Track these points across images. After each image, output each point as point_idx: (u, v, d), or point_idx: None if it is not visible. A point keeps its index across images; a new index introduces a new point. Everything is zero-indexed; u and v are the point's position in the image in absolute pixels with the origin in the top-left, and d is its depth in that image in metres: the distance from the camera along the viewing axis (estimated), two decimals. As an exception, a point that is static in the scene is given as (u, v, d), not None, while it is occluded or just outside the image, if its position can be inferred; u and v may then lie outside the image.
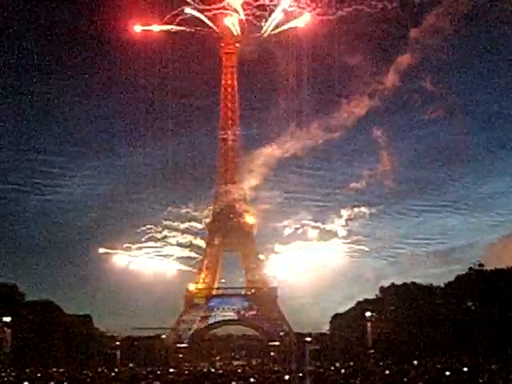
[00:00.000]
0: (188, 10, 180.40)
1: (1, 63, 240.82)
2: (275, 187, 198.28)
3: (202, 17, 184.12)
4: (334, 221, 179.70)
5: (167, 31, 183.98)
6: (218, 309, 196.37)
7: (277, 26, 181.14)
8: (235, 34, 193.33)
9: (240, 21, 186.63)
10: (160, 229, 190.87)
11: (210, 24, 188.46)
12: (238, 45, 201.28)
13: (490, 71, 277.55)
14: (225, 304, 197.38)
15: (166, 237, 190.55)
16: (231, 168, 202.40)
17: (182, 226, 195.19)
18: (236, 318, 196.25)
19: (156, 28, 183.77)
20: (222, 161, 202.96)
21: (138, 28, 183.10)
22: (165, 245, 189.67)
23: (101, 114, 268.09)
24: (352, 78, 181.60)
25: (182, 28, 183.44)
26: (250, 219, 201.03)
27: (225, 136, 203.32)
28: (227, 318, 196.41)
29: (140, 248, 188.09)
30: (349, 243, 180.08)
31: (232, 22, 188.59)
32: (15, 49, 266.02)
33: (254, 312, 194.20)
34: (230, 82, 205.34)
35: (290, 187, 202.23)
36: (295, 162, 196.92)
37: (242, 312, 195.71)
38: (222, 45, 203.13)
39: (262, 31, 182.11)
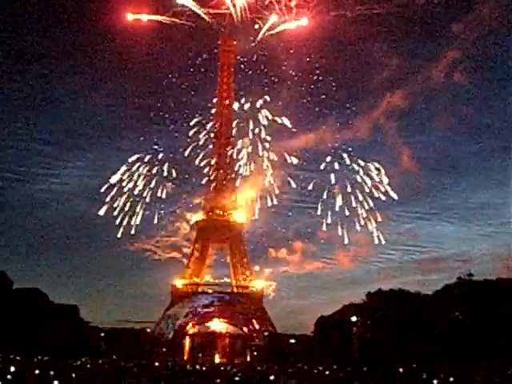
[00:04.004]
0: (180, 1, 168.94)
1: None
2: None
3: (196, 9, 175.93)
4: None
5: (159, 22, 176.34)
6: (201, 305, 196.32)
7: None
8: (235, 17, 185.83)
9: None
10: (174, 218, 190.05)
11: (205, 17, 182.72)
12: (235, 42, 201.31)
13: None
14: (209, 301, 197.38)
15: (178, 228, 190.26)
16: (224, 165, 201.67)
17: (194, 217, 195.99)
18: (218, 315, 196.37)
19: (145, 17, 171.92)
20: (215, 158, 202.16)
21: (130, 16, 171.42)
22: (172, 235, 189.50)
23: (98, 104, 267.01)
24: (383, 76, 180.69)
25: (174, 19, 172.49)
26: (239, 218, 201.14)
27: (218, 134, 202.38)
28: (210, 315, 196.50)
29: (150, 237, 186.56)
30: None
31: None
32: (9, 38, 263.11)
33: (238, 311, 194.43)
34: (226, 79, 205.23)
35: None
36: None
37: (225, 310, 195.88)
38: (220, 42, 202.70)
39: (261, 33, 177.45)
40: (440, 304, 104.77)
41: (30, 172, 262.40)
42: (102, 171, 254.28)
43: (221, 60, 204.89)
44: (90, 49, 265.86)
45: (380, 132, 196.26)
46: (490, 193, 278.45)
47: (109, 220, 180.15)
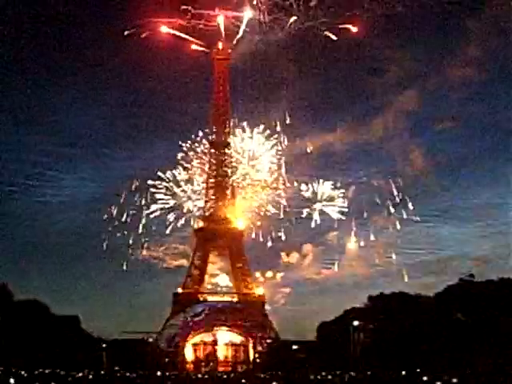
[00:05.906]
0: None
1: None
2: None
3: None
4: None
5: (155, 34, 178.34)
6: (202, 314, 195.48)
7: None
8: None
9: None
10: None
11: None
12: (230, 51, 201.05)
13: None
14: (210, 309, 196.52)
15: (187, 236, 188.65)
16: (222, 173, 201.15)
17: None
18: (220, 324, 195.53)
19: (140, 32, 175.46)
20: (214, 166, 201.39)
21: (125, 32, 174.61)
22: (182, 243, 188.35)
23: (94, 115, 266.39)
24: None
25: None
26: (239, 225, 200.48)
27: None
28: (212, 323, 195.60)
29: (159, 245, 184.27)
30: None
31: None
32: (7, 46, 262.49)
33: (240, 319, 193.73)
34: (222, 87, 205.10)
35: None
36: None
37: (227, 318, 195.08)
38: (215, 50, 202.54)
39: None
40: (442, 306, 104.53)
41: (26, 183, 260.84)
42: (99, 181, 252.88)
43: (216, 68, 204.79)
44: (87, 60, 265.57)
45: (391, 132, 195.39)
46: (490, 193, 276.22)
47: (113, 227, 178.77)
